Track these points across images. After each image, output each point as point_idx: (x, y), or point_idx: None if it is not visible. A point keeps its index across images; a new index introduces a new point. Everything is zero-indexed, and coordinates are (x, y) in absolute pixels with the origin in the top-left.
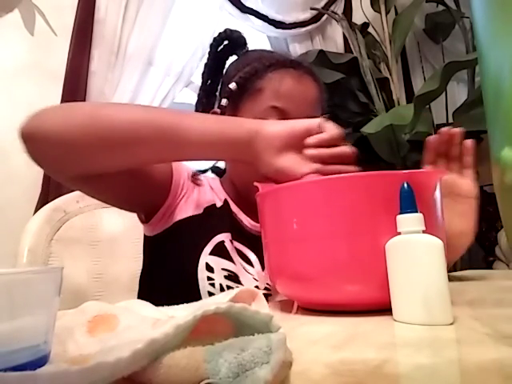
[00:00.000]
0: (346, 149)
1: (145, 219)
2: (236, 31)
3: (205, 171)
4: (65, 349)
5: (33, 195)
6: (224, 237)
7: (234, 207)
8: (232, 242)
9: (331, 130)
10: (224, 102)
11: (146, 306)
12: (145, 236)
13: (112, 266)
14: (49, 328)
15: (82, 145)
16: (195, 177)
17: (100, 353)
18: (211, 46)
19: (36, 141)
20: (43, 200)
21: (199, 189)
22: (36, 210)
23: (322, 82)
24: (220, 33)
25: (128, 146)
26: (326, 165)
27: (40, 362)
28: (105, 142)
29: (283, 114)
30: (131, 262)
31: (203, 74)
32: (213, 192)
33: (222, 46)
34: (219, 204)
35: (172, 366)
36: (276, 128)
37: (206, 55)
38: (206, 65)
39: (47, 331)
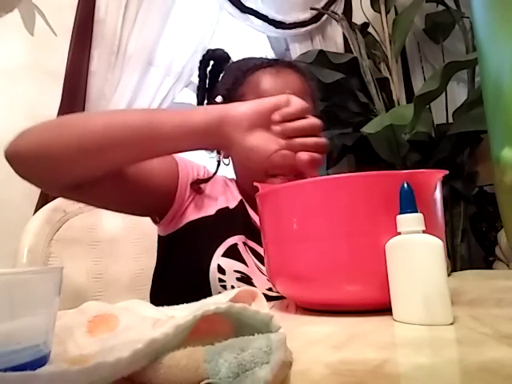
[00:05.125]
0: (311, 120)
1: (158, 220)
2: (218, 49)
3: (207, 180)
4: (65, 349)
5: (33, 195)
6: (237, 239)
7: (249, 208)
8: (246, 244)
9: (296, 103)
10: None
11: (145, 306)
12: (158, 236)
13: (112, 266)
14: (49, 328)
15: (61, 156)
16: (196, 185)
17: (100, 353)
18: (199, 68)
19: (19, 159)
20: (43, 200)
21: (210, 190)
22: (36, 210)
23: (309, 72)
24: (204, 55)
25: (104, 151)
26: (293, 139)
27: (40, 362)
28: (81, 150)
29: None
30: (131, 262)
31: (197, 95)
32: (227, 193)
33: (210, 67)
34: (233, 205)
35: (172, 366)
36: (242, 108)
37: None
38: (198, 87)
39: (47, 331)
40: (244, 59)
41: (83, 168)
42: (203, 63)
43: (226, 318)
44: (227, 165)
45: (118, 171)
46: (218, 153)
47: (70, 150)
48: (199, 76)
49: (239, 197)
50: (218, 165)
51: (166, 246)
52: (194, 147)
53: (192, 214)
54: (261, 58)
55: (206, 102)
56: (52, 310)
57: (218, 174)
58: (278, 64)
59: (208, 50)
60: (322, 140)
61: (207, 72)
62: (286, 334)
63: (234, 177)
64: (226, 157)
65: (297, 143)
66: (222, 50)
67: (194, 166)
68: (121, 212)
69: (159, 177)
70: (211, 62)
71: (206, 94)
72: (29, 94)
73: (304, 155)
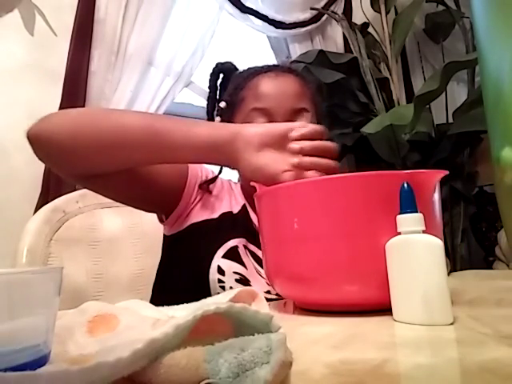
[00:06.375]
0: (328, 143)
1: (164, 219)
2: (226, 62)
3: (213, 180)
4: (65, 349)
5: (33, 195)
6: (237, 242)
7: (251, 212)
8: (246, 247)
9: (312, 127)
10: (217, 119)
11: (146, 306)
12: (164, 235)
13: (112, 266)
14: (49, 328)
15: (80, 148)
16: (204, 186)
17: (100, 353)
18: (210, 81)
19: (40, 143)
20: (43, 200)
21: (218, 195)
22: (36, 210)
23: (311, 77)
24: (213, 68)
25: (120, 149)
26: (307, 157)
27: (40, 361)
28: (100, 146)
29: (266, 113)
30: (131, 262)
31: (207, 105)
32: (231, 197)
33: (220, 80)
34: (236, 210)
35: (172, 366)
36: (255, 129)
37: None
38: (208, 97)
39: (47, 331)
40: (248, 68)
41: (98, 163)
42: (213, 76)
43: (226, 318)
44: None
45: (131, 169)
46: None
47: (90, 147)
48: (209, 88)
49: (242, 201)
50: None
51: (170, 246)
52: (202, 160)
53: (197, 216)
54: (263, 65)
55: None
56: (52, 310)
57: (224, 177)
58: (277, 69)
59: (217, 64)
60: (334, 163)
61: (217, 84)
62: (286, 334)
63: (238, 181)
64: None
65: (309, 162)
66: (231, 62)
67: (203, 169)
68: (129, 205)
69: (169, 175)
70: (221, 75)
71: (215, 104)
72: (29, 93)
73: (313, 175)
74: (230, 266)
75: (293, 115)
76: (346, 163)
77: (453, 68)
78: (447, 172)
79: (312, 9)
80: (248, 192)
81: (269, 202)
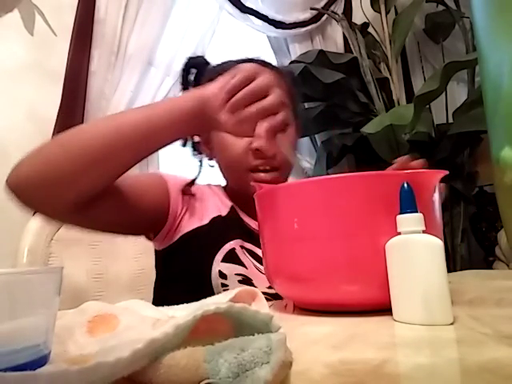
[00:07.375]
0: (272, 98)
1: (152, 237)
2: (198, 56)
3: (193, 181)
4: (65, 349)
5: None
6: (234, 244)
7: (240, 212)
8: (243, 247)
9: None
10: None
11: (146, 306)
12: (155, 250)
13: (112, 266)
14: (49, 328)
15: (67, 171)
16: (187, 188)
17: (100, 353)
18: (182, 77)
19: (20, 186)
20: None
21: (202, 199)
22: None
23: (286, 70)
24: (185, 63)
25: (104, 160)
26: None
27: (40, 361)
28: (86, 161)
29: None
30: (131, 262)
31: None
32: (217, 201)
33: (193, 75)
34: (225, 212)
35: (172, 366)
36: (215, 85)
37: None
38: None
39: (47, 331)
40: (222, 62)
41: (85, 182)
42: (185, 71)
43: (226, 318)
44: (212, 167)
45: (117, 193)
46: (200, 153)
47: (75, 163)
48: (182, 83)
49: (229, 203)
50: (201, 165)
51: (165, 260)
52: (187, 132)
53: (187, 226)
54: (235, 59)
55: None
56: (52, 310)
57: (201, 183)
58: (251, 62)
59: (189, 58)
60: (275, 99)
61: (189, 80)
62: (286, 334)
63: (219, 184)
64: (210, 158)
65: (253, 111)
66: (202, 56)
67: (182, 180)
68: (120, 233)
69: (152, 194)
70: (193, 70)
71: None
72: (29, 93)
73: (264, 123)
74: (230, 269)
75: None
76: (346, 163)
77: (453, 68)
78: (447, 172)
79: (312, 9)
80: (234, 193)
81: (269, 201)
